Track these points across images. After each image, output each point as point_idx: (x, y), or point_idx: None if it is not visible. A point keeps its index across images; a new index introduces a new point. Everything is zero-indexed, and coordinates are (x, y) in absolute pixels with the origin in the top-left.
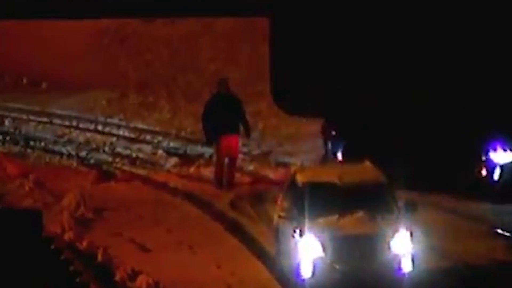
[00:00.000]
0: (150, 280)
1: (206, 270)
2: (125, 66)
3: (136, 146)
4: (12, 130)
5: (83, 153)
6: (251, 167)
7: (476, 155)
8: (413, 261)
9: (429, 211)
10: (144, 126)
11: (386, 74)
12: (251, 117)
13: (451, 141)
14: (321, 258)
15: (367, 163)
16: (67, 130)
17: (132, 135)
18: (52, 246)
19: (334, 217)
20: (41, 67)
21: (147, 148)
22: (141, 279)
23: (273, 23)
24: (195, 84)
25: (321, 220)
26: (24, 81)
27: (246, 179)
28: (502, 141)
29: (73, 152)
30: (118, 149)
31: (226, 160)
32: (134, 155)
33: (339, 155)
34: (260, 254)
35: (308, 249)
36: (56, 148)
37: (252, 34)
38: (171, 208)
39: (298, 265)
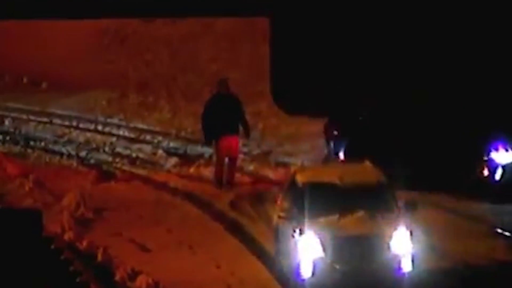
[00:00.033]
0: (150, 280)
1: (206, 270)
2: (125, 66)
3: (136, 146)
4: (12, 130)
5: (83, 153)
6: (251, 167)
7: (478, 155)
8: (413, 261)
9: (429, 211)
10: (144, 126)
11: (386, 74)
12: (251, 117)
13: (453, 141)
14: (321, 258)
15: (367, 163)
16: (67, 130)
17: (132, 135)
18: (52, 246)
19: (334, 217)
20: (41, 67)
21: (147, 148)
22: (141, 279)
23: (273, 23)
24: (195, 84)
25: (321, 220)
26: (24, 81)
27: (246, 179)
28: (504, 141)
29: (73, 152)
30: (118, 149)
31: (226, 160)
32: (134, 155)
33: (341, 155)
34: (260, 254)
35: (308, 249)
36: (56, 148)
37: (252, 34)
38: (171, 208)
39: (298, 265)
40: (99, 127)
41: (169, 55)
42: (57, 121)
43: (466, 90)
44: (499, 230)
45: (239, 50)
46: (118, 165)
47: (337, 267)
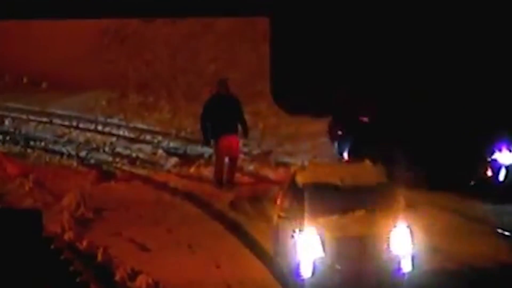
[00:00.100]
0: (150, 280)
1: (206, 270)
2: (125, 66)
3: (136, 146)
4: (12, 130)
5: (83, 153)
6: (251, 167)
7: (482, 155)
8: (413, 261)
9: (432, 211)
10: (144, 126)
11: (386, 73)
12: (251, 117)
13: (457, 141)
14: (321, 258)
15: (368, 163)
16: (67, 130)
17: (132, 135)
18: (52, 246)
19: (334, 217)
20: (41, 67)
21: (147, 148)
22: (141, 279)
23: (273, 23)
24: (195, 84)
25: (321, 220)
26: (24, 81)
27: (246, 179)
28: (508, 141)
29: (73, 152)
30: (118, 149)
31: (226, 160)
32: (134, 155)
33: (345, 155)
34: (260, 254)
35: (308, 249)
36: (56, 148)
37: (252, 34)
38: (171, 208)
39: (298, 265)
40: (99, 127)
41: (169, 55)
42: (57, 121)
43: (469, 90)
44: (502, 231)
45: (239, 50)
46: (118, 165)
47: (337, 267)
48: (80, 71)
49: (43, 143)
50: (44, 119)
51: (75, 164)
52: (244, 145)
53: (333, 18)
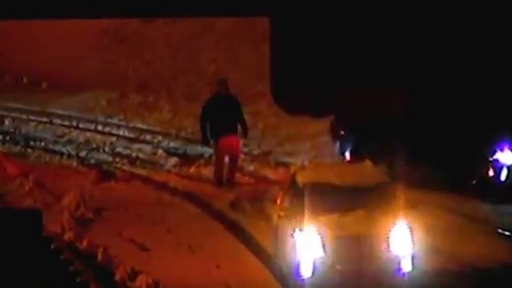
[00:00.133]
0: (150, 280)
1: (206, 270)
2: (125, 66)
3: (136, 146)
4: (12, 130)
5: (83, 153)
6: (251, 167)
7: (483, 155)
8: (413, 261)
9: (433, 211)
10: (144, 126)
11: (387, 73)
12: (251, 117)
13: (458, 141)
14: (321, 258)
15: (368, 163)
16: (67, 130)
17: (132, 135)
18: (52, 246)
19: (334, 217)
20: (41, 67)
21: (147, 148)
22: (141, 279)
23: (273, 23)
24: (195, 84)
25: (321, 220)
26: (24, 81)
27: (246, 179)
28: (510, 141)
29: (73, 152)
30: (118, 149)
31: (226, 159)
32: (134, 155)
33: (347, 155)
34: (260, 253)
35: (308, 249)
36: (56, 148)
37: (252, 34)
38: (171, 208)
39: (298, 265)
40: (99, 127)
41: (169, 55)
42: (57, 121)
43: (471, 90)
44: (503, 231)
45: (239, 50)
46: (118, 165)
47: (337, 267)
48: (80, 71)
49: (43, 143)
50: (44, 119)
51: (75, 164)
52: (244, 145)
53: (333, 18)
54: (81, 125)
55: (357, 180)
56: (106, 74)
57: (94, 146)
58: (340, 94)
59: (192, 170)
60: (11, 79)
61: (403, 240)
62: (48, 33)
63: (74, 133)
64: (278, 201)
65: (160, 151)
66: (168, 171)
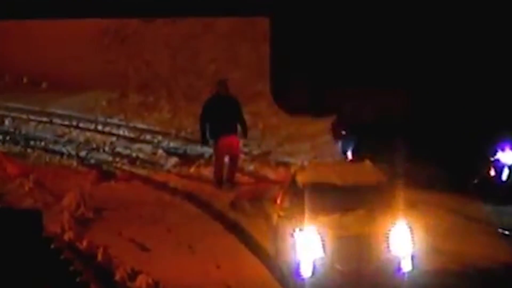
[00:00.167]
0: (150, 280)
1: (206, 270)
2: (125, 66)
3: (136, 146)
4: (12, 129)
5: (83, 153)
6: (251, 167)
7: (485, 155)
8: (413, 261)
9: (433, 211)
10: (144, 126)
11: (387, 73)
12: (251, 117)
13: (459, 141)
14: (321, 257)
15: (367, 163)
16: (67, 130)
17: (132, 135)
18: (52, 246)
19: (334, 217)
20: (41, 67)
21: (147, 148)
22: (141, 279)
23: (273, 23)
24: (196, 84)
25: (321, 220)
26: (24, 81)
27: (246, 179)
28: (511, 141)
29: (73, 152)
30: (118, 149)
31: (226, 159)
32: (134, 155)
33: (349, 154)
34: (260, 254)
35: (308, 249)
36: (56, 148)
37: (252, 34)
38: (171, 208)
39: (298, 264)
40: (99, 127)
41: (169, 55)
42: (57, 121)
43: (472, 90)
44: (503, 231)
45: (239, 50)
46: (118, 165)
47: (337, 267)
48: (80, 71)
49: (43, 143)
50: (44, 119)
51: (75, 164)
52: (244, 145)
53: (333, 18)
54: (81, 125)
55: (357, 180)
56: (106, 74)
57: (94, 146)
58: (340, 94)
59: (192, 170)
60: (11, 79)
61: (403, 240)
62: (48, 33)
63: (74, 133)
64: (278, 201)
65: (160, 151)
66: (168, 171)
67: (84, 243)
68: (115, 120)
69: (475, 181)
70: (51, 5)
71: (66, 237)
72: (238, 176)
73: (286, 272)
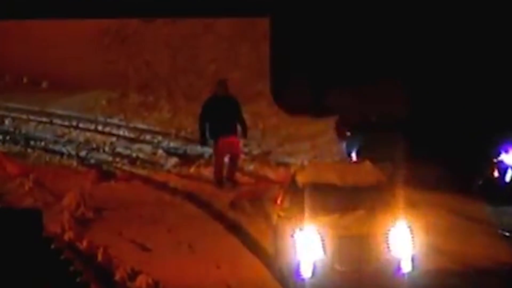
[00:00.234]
0: (150, 280)
1: (206, 270)
2: (125, 66)
3: (136, 146)
4: (12, 129)
5: (83, 153)
6: (251, 167)
7: (488, 156)
8: (413, 261)
9: (435, 212)
10: (144, 126)
11: (387, 73)
12: (251, 117)
13: (462, 142)
14: (321, 258)
15: (367, 163)
16: (67, 130)
17: (132, 135)
18: (52, 246)
19: (334, 217)
20: (41, 67)
21: (147, 148)
22: (141, 279)
23: (273, 23)
24: (196, 84)
25: (321, 220)
26: (24, 81)
27: (246, 179)
28: None
29: (73, 152)
30: (118, 149)
31: (226, 159)
32: (134, 155)
33: (354, 155)
34: (260, 254)
35: (308, 249)
36: (56, 147)
37: (252, 34)
38: (171, 208)
39: (298, 265)
40: (99, 127)
41: (170, 55)
42: (57, 121)
43: (476, 91)
44: (504, 232)
45: (239, 50)
46: (118, 165)
47: (337, 267)
48: (80, 71)
49: (43, 143)
50: (44, 119)
51: (75, 164)
52: (244, 145)
53: (333, 17)
54: (81, 125)
55: (357, 180)
56: (106, 74)
57: (94, 146)
58: (340, 93)
59: (192, 170)
60: (11, 79)
61: (403, 240)
62: (48, 33)
63: (74, 133)
64: (278, 201)
65: (160, 151)
66: (168, 171)
67: (84, 243)
68: (115, 120)
69: (480, 182)
70: (51, 5)
71: (66, 237)
72: (238, 176)
73: (286, 272)
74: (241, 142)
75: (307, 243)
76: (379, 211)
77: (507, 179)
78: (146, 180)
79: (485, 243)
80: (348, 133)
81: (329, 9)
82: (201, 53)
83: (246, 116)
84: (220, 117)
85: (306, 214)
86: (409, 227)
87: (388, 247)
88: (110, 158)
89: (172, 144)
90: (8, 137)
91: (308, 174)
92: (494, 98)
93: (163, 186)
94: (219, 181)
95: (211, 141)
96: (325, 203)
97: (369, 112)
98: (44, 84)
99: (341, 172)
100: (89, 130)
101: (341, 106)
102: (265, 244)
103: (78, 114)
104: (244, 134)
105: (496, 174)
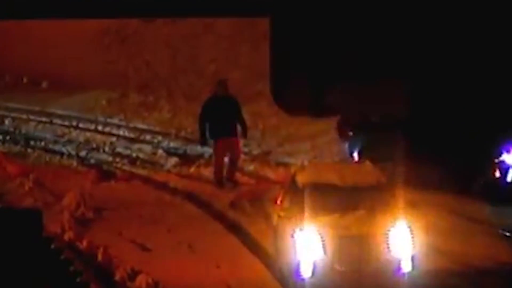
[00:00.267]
0: (150, 280)
1: (206, 270)
2: (125, 66)
3: (136, 146)
4: (12, 129)
5: (83, 153)
6: (251, 167)
7: (489, 157)
8: (413, 261)
9: (435, 212)
10: (144, 126)
11: (388, 73)
12: (251, 117)
13: (464, 142)
14: (321, 258)
15: (367, 163)
16: (67, 130)
17: (132, 135)
18: (52, 246)
19: (334, 217)
20: (41, 67)
21: (147, 148)
22: (141, 279)
23: (273, 23)
24: (196, 84)
25: (321, 220)
26: (24, 81)
27: (246, 179)
28: None
29: (73, 152)
30: (118, 149)
31: (226, 159)
32: (134, 155)
33: (356, 155)
34: (260, 254)
35: (308, 249)
36: (56, 147)
37: (252, 34)
38: (171, 208)
39: (298, 265)
40: (99, 127)
41: (170, 55)
42: (57, 121)
43: (477, 91)
44: (504, 232)
45: (239, 50)
46: (118, 165)
47: (337, 267)
48: (81, 71)
49: (43, 143)
50: (44, 119)
51: (75, 164)
52: (244, 145)
53: (333, 17)
54: (81, 125)
55: (357, 180)
56: (106, 74)
57: (94, 146)
58: (340, 93)
59: (192, 170)
60: (11, 79)
61: (403, 240)
62: (48, 33)
63: (74, 133)
64: (278, 201)
65: (160, 151)
66: (168, 171)
67: (84, 243)
68: (115, 120)
69: (482, 182)
70: (51, 5)
71: (66, 237)
72: (238, 176)
73: (286, 272)
74: (241, 142)
75: (307, 243)
76: (379, 211)
77: (509, 179)
78: (146, 180)
79: (486, 243)
80: (351, 133)
81: (329, 9)
82: (201, 53)
83: (246, 116)
84: (220, 117)
85: (306, 214)
86: (409, 227)
87: (388, 247)
88: (110, 158)
89: (172, 144)
90: (8, 137)
91: (308, 174)
92: (495, 97)
93: (163, 186)
94: (219, 181)
95: (211, 141)
96: (325, 203)
97: (370, 112)
98: (44, 84)
99: (341, 172)
100: (89, 130)
101: (341, 106)
102: (265, 244)
103: (78, 114)
104: (244, 134)
105: (497, 174)
